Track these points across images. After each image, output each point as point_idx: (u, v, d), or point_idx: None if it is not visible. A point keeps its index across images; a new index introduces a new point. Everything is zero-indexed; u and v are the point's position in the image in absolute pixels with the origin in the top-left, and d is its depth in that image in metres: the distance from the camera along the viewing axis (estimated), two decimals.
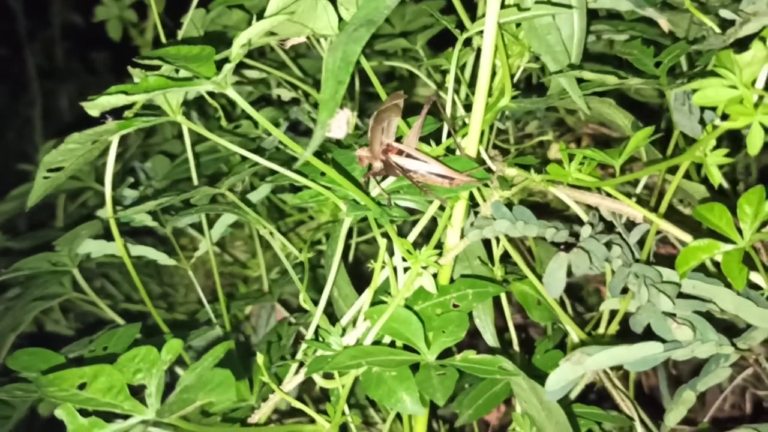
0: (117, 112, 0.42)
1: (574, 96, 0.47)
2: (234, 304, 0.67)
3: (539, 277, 0.52)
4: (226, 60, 0.39)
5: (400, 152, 0.45)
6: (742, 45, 0.44)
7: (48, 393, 0.38)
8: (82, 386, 0.38)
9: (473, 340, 0.54)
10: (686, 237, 0.41)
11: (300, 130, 0.78)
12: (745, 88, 0.33)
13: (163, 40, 0.61)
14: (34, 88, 1.91)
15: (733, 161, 0.49)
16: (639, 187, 0.55)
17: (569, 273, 0.45)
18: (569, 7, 0.46)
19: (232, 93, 0.37)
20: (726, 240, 0.37)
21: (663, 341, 0.41)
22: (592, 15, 0.56)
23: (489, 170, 0.47)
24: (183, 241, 0.87)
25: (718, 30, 0.40)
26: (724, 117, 0.34)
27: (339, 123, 0.37)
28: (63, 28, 2.02)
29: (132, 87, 0.37)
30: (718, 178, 0.36)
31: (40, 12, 1.99)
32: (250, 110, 0.38)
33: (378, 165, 0.45)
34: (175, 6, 0.91)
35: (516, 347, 0.56)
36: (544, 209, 0.70)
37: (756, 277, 0.42)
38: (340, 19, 0.42)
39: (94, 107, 0.37)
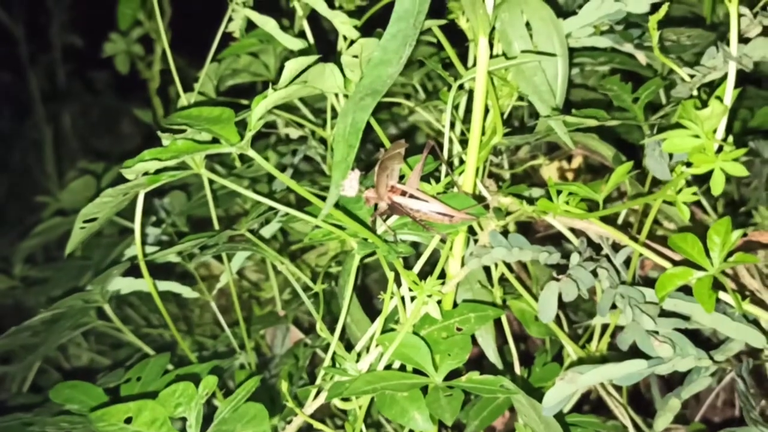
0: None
1: (560, 134, 0.51)
2: (251, 328, 0.71)
3: (535, 296, 0.57)
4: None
5: (403, 193, 0.49)
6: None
7: (98, 428, 0.42)
8: (128, 420, 0.43)
9: (479, 350, 0.58)
10: (665, 263, 0.46)
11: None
12: (707, 139, 0.37)
13: (174, 74, 0.65)
14: (39, 112, 1.95)
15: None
16: (622, 214, 0.59)
17: None
18: (553, 54, 0.50)
19: (253, 154, 0.41)
20: (698, 267, 0.42)
21: (648, 357, 0.46)
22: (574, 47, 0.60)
23: (486, 206, 0.51)
24: (195, 265, 0.92)
25: (687, 77, 0.45)
26: (690, 163, 0.38)
27: (351, 183, 0.42)
28: (63, 50, 2.06)
29: (163, 151, 0.42)
30: (687, 214, 0.41)
31: (40, 35, 2.02)
32: (271, 168, 0.42)
33: (383, 205, 0.49)
34: (180, 38, 0.96)
35: (516, 364, 0.60)
36: (537, 227, 0.74)
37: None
38: (345, 77, 0.47)
39: (131, 172, 0.41)
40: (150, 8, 1.01)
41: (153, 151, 0.42)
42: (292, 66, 0.42)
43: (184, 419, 0.43)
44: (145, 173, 0.47)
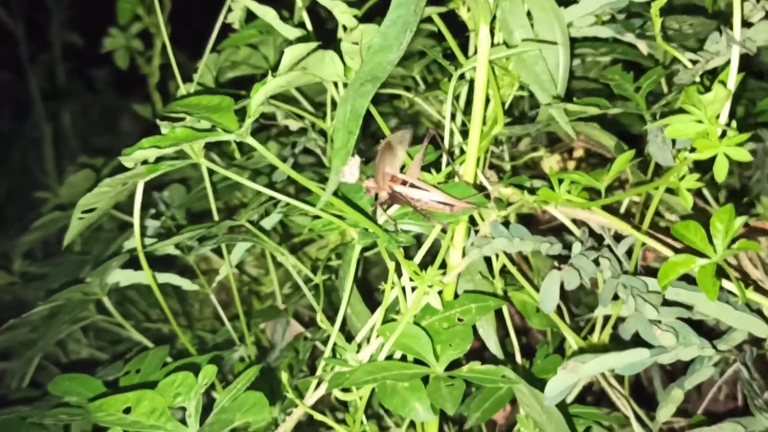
0: None
1: (561, 123, 0.51)
2: (251, 322, 0.71)
3: (537, 287, 0.57)
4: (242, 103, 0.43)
5: (404, 182, 0.49)
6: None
7: (97, 418, 0.42)
8: (127, 410, 0.42)
9: (480, 342, 0.58)
10: (667, 252, 0.45)
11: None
12: (710, 124, 0.37)
13: (175, 68, 0.64)
14: (39, 111, 1.94)
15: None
16: (624, 204, 0.59)
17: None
18: (554, 43, 0.50)
19: (252, 142, 0.41)
20: (701, 255, 0.42)
21: (650, 346, 0.46)
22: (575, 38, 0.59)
23: (487, 196, 0.51)
24: (195, 258, 0.92)
25: (689, 64, 0.44)
26: (693, 149, 0.38)
27: (351, 169, 0.41)
28: (63, 49, 2.06)
29: (161, 139, 0.42)
30: (690, 201, 0.40)
31: (40, 34, 2.02)
32: (271, 157, 0.42)
33: (384, 195, 0.49)
34: (180, 33, 0.95)
35: (518, 354, 0.60)
36: (539, 219, 0.74)
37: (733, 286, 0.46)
38: (345, 65, 0.46)
39: (130, 160, 0.41)
40: (149, 3, 1.00)
41: (151, 139, 0.41)
42: (291, 53, 0.41)
43: (183, 409, 0.43)
44: (144, 162, 0.47)
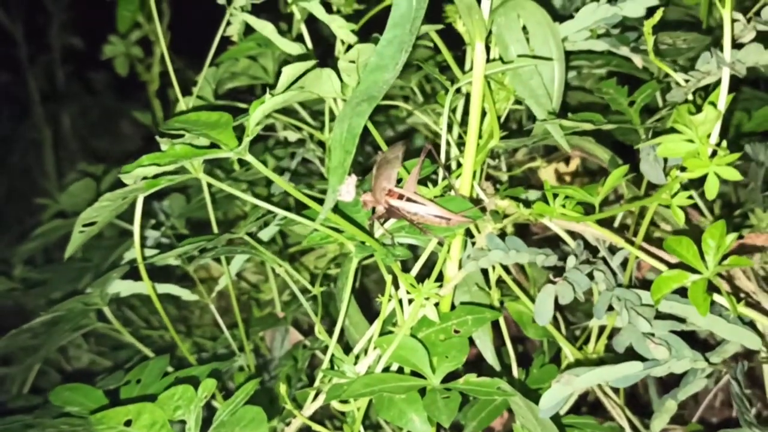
0: None
1: (557, 137, 0.51)
2: (251, 329, 0.71)
3: (533, 298, 0.57)
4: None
5: (400, 196, 0.49)
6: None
7: (98, 430, 0.43)
8: (128, 423, 0.43)
9: (478, 352, 0.59)
10: (661, 266, 0.46)
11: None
12: (701, 144, 0.38)
13: (173, 77, 0.65)
14: (38, 113, 1.95)
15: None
16: (618, 218, 0.59)
17: None
18: (549, 58, 0.50)
19: (251, 159, 0.41)
20: (693, 270, 0.42)
21: (644, 359, 0.46)
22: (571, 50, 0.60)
23: (483, 209, 0.51)
24: (194, 267, 0.92)
25: (682, 81, 0.45)
26: (684, 167, 0.39)
27: (347, 188, 0.42)
28: (63, 51, 2.07)
29: (161, 156, 0.42)
30: (681, 218, 0.41)
31: (40, 36, 2.03)
32: (269, 172, 0.42)
33: (381, 209, 0.50)
34: (179, 41, 0.96)
35: (514, 365, 0.60)
36: (535, 228, 0.74)
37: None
38: (342, 82, 0.47)
39: (130, 177, 0.41)
40: (149, 10, 1.01)
41: (151, 156, 0.42)
42: (289, 71, 0.42)
43: (183, 422, 0.43)
44: (144, 177, 0.47)
